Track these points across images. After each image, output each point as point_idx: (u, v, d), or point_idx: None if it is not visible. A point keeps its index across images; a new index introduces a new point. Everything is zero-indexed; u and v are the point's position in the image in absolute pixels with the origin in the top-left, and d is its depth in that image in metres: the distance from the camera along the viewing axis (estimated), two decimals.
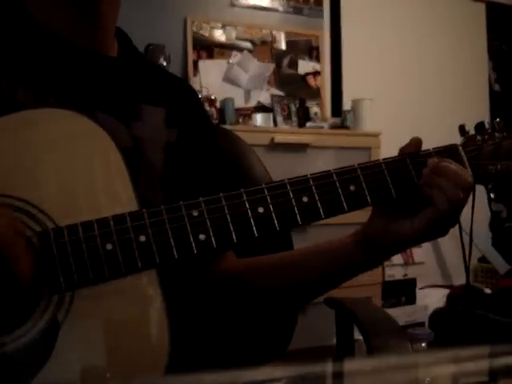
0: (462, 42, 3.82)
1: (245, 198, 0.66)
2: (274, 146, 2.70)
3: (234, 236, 0.65)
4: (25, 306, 0.61)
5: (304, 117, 3.16)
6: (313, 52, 3.39)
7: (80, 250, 0.61)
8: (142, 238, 0.63)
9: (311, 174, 0.69)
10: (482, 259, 3.45)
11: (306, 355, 2.30)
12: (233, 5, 3.22)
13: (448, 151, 0.74)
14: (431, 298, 3.12)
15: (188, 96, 0.93)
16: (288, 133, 2.89)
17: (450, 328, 2.78)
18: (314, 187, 0.68)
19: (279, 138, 2.72)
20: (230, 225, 0.65)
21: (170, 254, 0.63)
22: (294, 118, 3.16)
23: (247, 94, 3.18)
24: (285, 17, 3.35)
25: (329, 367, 0.52)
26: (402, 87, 3.58)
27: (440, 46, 3.73)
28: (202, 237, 0.64)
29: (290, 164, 2.65)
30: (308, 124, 3.12)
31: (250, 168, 1.13)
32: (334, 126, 3.14)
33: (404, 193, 0.71)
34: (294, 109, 3.18)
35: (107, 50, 0.83)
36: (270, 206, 0.67)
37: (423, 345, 2.54)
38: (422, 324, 2.98)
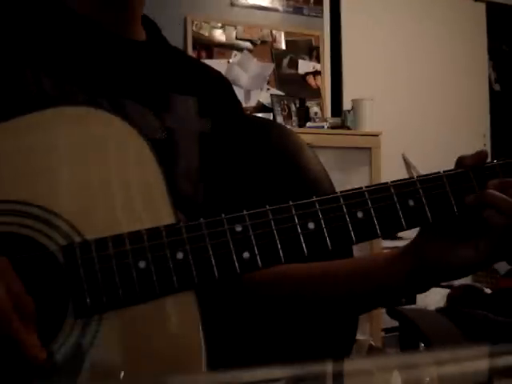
0: (462, 41, 3.81)
1: (293, 212, 0.60)
2: None
3: (281, 254, 0.59)
4: (46, 330, 0.54)
5: (304, 117, 3.16)
6: (313, 52, 3.39)
7: (109, 267, 0.55)
8: (180, 256, 0.56)
9: (366, 187, 0.63)
10: None
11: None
12: (233, 4, 3.22)
13: None
14: (431, 298, 3.12)
15: (221, 85, 0.87)
16: None
17: (450, 328, 2.78)
18: (369, 201, 0.62)
19: None
20: (278, 242, 0.59)
21: (211, 273, 0.57)
22: (294, 118, 3.16)
23: (247, 94, 3.18)
24: (285, 17, 3.35)
25: (329, 367, 0.52)
26: (402, 87, 3.58)
27: (440, 46, 3.73)
28: (246, 255, 0.58)
29: None
30: (308, 124, 3.12)
31: (306, 165, 1.04)
32: (334, 126, 3.13)
33: (467, 210, 0.65)
34: (294, 109, 3.18)
35: (135, 35, 0.78)
36: (322, 221, 0.60)
37: (423, 345, 2.54)
38: None
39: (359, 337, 2.84)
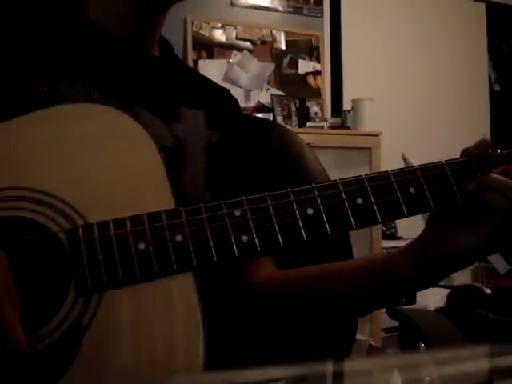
0: (462, 41, 3.82)
1: (292, 197, 0.61)
2: None
3: (280, 238, 0.60)
4: (47, 307, 0.57)
5: (304, 117, 3.16)
6: (313, 52, 3.39)
7: (110, 248, 0.57)
8: (179, 238, 0.58)
9: (366, 175, 0.64)
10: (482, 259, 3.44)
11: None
12: (233, 4, 3.22)
13: None
14: (431, 298, 3.12)
15: (227, 100, 0.91)
16: None
17: (450, 328, 2.77)
18: (369, 188, 0.63)
19: None
20: (276, 226, 0.60)
21: (209, 255, 0.58)
22: (294, 118, 3.16)
23: (247, 94, 3.18)
24: (285, 17, 3.35)
25: (329, 367, 0.52)
26: (402, 87, 3.58)
27: (440, 46, 3.73)
28: (244, 238, 0.59)
29: None
30: (308, 124, 3.12)
31: (306, 166, 1.06)
32: (334, 126, 3.13)
33: (470, 197, 0.65)
34: (294, 109, 3.18)
35: (150, 50, 0.83)
36: (321, 206, 0.61)
37: (423, 345, 2.54)
38: None
39: (359, 337, 2.84)
